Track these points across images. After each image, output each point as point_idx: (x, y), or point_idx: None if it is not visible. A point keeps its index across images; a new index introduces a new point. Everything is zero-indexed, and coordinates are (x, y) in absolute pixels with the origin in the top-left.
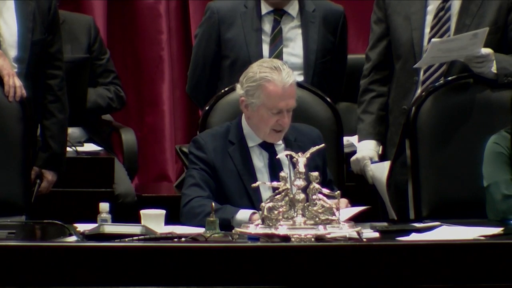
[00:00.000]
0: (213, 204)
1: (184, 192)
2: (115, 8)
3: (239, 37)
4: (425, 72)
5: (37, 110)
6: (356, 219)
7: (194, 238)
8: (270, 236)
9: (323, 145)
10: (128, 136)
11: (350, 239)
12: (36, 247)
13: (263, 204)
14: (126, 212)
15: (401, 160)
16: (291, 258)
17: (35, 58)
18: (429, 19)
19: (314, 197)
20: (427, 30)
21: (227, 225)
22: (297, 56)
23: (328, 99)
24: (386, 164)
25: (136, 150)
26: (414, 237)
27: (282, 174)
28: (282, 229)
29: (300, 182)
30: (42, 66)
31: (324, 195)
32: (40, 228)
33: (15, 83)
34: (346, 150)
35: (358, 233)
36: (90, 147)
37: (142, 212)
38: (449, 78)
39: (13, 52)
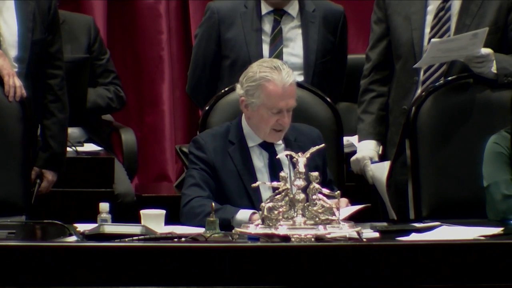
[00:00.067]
0: (213, 204)
1: (184, 192)
2: (115, 8)
3: (239, 37)
4: (425, 72)
5: (37, 110)
6: (356, 219)
7: (194, 238)
8: (270, 236)
9: (323, 145)
10: (128, 136)
11: (350, 239)
12: (36, 247)
13: (263, 204)
14: (125, 212)
15: (401, 160)
16: (291, 258)
17: (35, 58)
18: (429, 19)
19: (314, 197)
20: (427, 30)
21: (227, 225)
22: (297, 56)
23: (328, 99)
24: (386, 164)
25: (135, 150)
26: (414, 237)
27: (282, 174)
28: (282, 229)
29: (300, 182)
30: (42, 66)
31: (324, 195)
32: (40, 228)
33: (15, 83)
34: (346, 150)
35: (358, 233)
36: (90, 147)
37: (142, 212)
38: (449, 78)
39: (13, 52)
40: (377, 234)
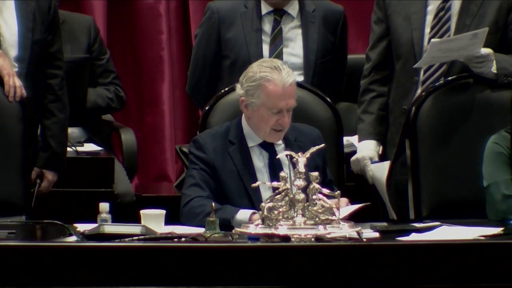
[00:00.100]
0: (213, 204)
1: (184, 192)
2: (115, 8)
3: (239, 37)
4: (425, 72)
5: (38, 109)
6: (356, 219)
7: (194, 238)
8: (270, 236)
9: (323, 145)
10: (127, 136)
11: (350, 239)
12: (36, 247)
13: (263, 204)
14: (125, 211)
15: (401, 160)
16: (291, 258)
17: (35, 57)
18: (429, 19)
19: (314, 197)
20: (427, 30)
21: (227, 225)
22: (297, 56)
23: (328, 99)
24: (386, 164)
25: (135, 150)
26: (414, 237)
27: (282, 174)
28: (282, 229)
29: (300, 182)
30: (43, 65)
31: (324, 195)
32: (40, 228)
33: (15, 83)
34: (346, 150)
35: (358, 233)
36: (90, 147)
37: (142, 212)
38: (449, 78)
39: (13, 52)
40: (377, 234)
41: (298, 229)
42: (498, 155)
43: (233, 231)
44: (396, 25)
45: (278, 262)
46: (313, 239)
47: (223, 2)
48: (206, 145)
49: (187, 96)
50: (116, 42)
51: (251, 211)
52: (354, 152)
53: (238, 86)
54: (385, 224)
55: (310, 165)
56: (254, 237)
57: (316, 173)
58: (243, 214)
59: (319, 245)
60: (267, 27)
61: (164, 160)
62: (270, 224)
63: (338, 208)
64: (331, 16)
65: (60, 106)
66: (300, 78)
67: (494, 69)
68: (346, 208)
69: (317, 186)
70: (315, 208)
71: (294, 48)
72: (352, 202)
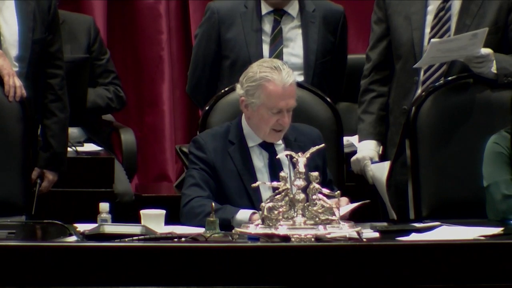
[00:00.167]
0: (213, 204)
1: (184, 192)
2: (115, 8)
3: (239, 37)
4: (425, 72)
5: (38, 109)
6: (356, 219)
7: (194, 238)
8: (270, 236)
9: (323, 145)
10: (127, 136)
11: (350, 239)
12: (36, 247)
13: (263, 204)
14: (123, 211)
15: (401, 160)
16: (291, 258)
17: (35, 57)
18: (429, 19)
19: (314, 197)
20: (427, 30)
21: (227, 225)
22: (297, 56)
23: (328, 99)
24: (386, 164)
25: (135, 150)
26: (414, 237)
27: (282, 174)
28: (282, 229)
29: (300, 182)
30: (43, 65)
31: (324, 195)
32: (40, 228)
33: (15, 83)
34: (346, 150)
35: (358, 233)
36: (90, 147)
37: (142, 212)
38: (449, 78)
39: (14, 51)
40: (377, 234)
41: (298, 229)
42: (498, 155)
43: (233, 231)
44: (396, 25)
45: (278, 262)
46: (313, 239)
47: (223, 2)
48: (206, 145)
49: (187, 96)
50: (116, 42)
51: (251, 211)
52: (354, 152)
53: (238, 86)
54: (385, 224)
55: (310, 165)
56: (254, 237)
57: (316, 173)
58: (243, 214)
59: (319, 245)
60: (267, 27)
61: (164, 160)
62: (270, 224)
63: (338, 208)
64: (331, 16)
65: (61, 105)
66: (300, 78)
67: (494, 69)
68: (345, 206)
69: (317, 186)
70: (315, 208)
71: (294, 48)
72: (352, 202)
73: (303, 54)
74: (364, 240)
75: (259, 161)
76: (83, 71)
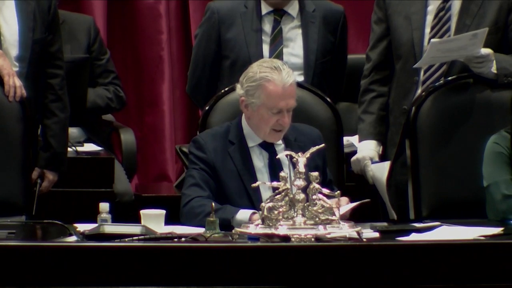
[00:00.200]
0: (213, 204)
1: (184, 192)
2: (115, 8)
3: (239, 37)
4: (425, 72)
5: (38, 109)
6: (356, 219)
7: (194, 238)
8: (270, 236)
9: (323, 145)
10: (127, 136)
11: (350, 239)
12: (36, 247)
13: (263, 204)
14: (123, 211)
15: (401, 160)
16: (291, 258)
17: (36, 57)
18: (429, 19)
19: (314, 197)
20: (427, 30)
21: (227, 225)
22: (297, 56)
23: (328, 99)
24: (387, 164)
25: (135, 150)
26: (414, 237)
27: (282, 174)
28: (282, 229)
29: (300, 182)
30: (43, 65)
31: (324, 195)
32: (40, 228)
33: (15, 83)
34: (346, 150)
35: (358, 233)
36: (90, 147)
37: (142, 212)
38: (449, 78)
39: (14, 51)
40: (377, 234)
41: (298, 229)
42: (498, 155)
43: (233, 231)
44: (396, 25)
45: (278, 262)
46: (313, 239)
47: (223, 2)
48: (206, 145)
49: (187, 96)
50: (116, 42)
51: (251, 211)
52: (354, 152)
53: (238, 86)
54: (385, 224)
55: (310, 165)
56: (254, 237)
57: (316, 173)
58: (243, 214)
59: (319, 245)
60: (267, 27)
61: (164, 160)
62: (270, 224)
63: (338, 208)
64: (331, 16)
65: (61, 105)
66: (300, 78)
67: (494, 69)
68: (345, 206)
69: (317, 186)
70: (315, 208)
71: (294, 48)
72: (352, 202)
73: (303, 54)
74: (364, 240)
75: (259, 161)
76: (83, 71)
